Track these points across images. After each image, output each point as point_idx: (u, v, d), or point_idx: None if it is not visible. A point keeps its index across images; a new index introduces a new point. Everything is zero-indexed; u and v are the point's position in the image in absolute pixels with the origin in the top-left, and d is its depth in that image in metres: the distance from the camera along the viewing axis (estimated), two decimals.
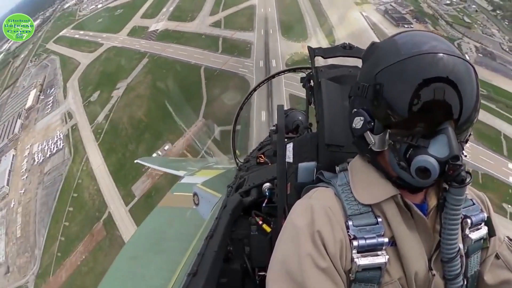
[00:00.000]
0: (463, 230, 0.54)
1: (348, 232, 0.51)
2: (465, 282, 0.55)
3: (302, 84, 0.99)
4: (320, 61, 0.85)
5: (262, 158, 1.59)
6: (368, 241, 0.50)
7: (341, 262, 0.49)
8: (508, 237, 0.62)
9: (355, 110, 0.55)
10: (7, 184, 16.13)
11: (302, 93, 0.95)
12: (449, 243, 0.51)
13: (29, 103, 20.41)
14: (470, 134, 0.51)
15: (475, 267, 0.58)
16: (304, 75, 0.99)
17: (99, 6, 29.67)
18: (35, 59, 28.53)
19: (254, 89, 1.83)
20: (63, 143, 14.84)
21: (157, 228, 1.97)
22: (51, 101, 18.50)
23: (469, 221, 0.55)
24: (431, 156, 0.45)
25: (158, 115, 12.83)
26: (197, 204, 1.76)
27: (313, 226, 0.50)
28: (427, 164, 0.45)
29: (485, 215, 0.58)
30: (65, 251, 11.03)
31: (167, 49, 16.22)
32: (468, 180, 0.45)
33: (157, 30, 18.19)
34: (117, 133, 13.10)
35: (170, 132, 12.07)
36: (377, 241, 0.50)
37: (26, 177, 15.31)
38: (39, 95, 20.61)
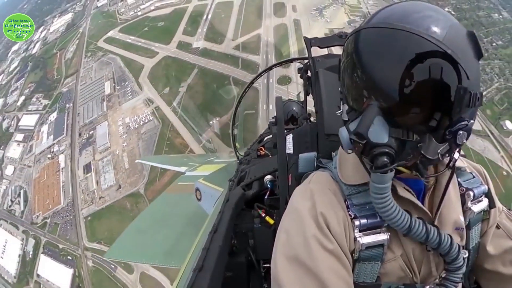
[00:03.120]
0: (465, 203, 0.56)
1: (348, 212, 0.52)
2: (467, 254, 0.56)
3: (299, 75, 1.04)
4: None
5: (263, 151, 1.63)
6: (369, 220, 0.51)
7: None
8: (505, 207, 0.64)
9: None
10: (109, 141, 26.53)
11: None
12: (392, 220, 0.48)
13: (107, 91, 30.03)
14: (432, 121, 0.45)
15: (476, 239, 0.59)
16: (301, 65, 1.02)
17: (139, 13, 36.23)
18: (90, 54, 35.24)
19: (252, 82, 2.04)
20: (151, 117, 25.16)
21: (163, 209, 2.22)
22: (129, 91, 28.22)
23: (471, 193, 0.56)
24: (347, 129, 0.48)
25: (210, 103, 23.53)
26: (199, 199, 1.81)
27: (316, 209, 0.51)
28: (340, 132, 0.48)
29: (486, 187, 0.60)
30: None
31: (209, 63, 26.16)
32: (388, 167, 0.42)
33: (199, 47, 27.86)
34: (188, 111, 23.78)
35: (218, 112, 22.79)
36: (378, 219, 0.51)
37: (125, 136, 25.66)
38: (115, 86, 30.26)
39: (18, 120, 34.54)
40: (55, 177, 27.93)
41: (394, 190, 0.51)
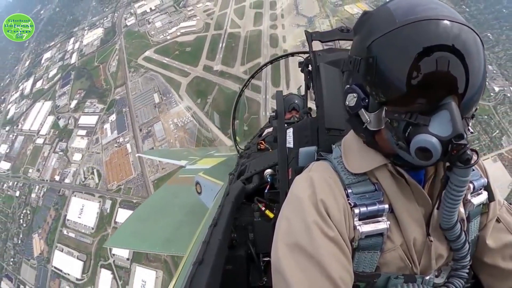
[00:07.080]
0: (465, 195, 0.55)
1: (348, 200, 0.54)
2: (467, 247, 0.56)
3: (300, 69, 1.05)
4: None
5: (263, 145, 1.66)
6: (369, 208, 0.52)
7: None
8: (506, 201, 0.65)
9: (348, 86, 0.56)
10: (164, 134, 41.15)
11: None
12: (448, 219, 0.52)
13: (156, 100, 43.54)
14: (476, 109, 0.48)
15: (475, 232, 0.61)
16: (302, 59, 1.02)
17: (168, 37, 45.92)
18: (133, 70, 46.19)
19: (252, 76, 2.06)
20: (191, 118, 39.42)
21: (164, 200, 2.30)
22: (174, 101, 41.88)
23: (471, 186, 0.57)
24: (432, 135, 0.42)
25: (229, 110, 37.82)
26: (199, 193, 1.85)
27: (316, 196, 0.53)
28: (427, 144, 0.42)
29: (485, 180, 0.60)
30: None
31: (225, 82, 39.58)
32: (474, 159, 0.42)
33: (218, 70, 41.26)
34: (214, 115, 37.98)
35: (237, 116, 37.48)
36: (377, 207, 0.53)
37: (175, 131, 40.16)
38: (161, 96, 43.95)
39: (76, 119, 47.31)
40: (125, 158, 41.28)
41: (403, 177, 0.54)
